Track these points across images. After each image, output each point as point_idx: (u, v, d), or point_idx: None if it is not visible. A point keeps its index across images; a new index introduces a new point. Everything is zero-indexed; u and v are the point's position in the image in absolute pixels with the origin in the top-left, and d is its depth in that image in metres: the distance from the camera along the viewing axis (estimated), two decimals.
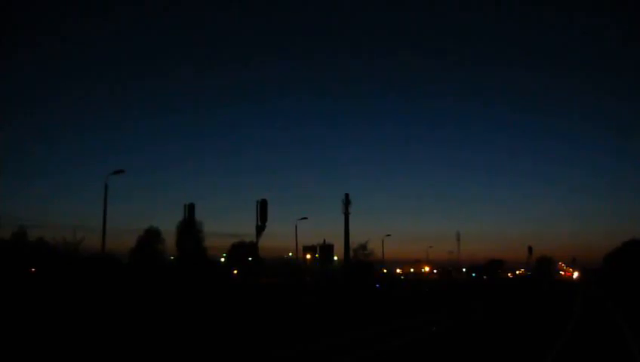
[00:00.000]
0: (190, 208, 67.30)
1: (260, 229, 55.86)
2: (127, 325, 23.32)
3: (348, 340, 19.86)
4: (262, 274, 66.63)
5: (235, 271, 74.51)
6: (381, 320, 28.11)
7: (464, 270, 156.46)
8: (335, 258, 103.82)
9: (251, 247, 65.77)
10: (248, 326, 25.02)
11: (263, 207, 56.02)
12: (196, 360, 15.76)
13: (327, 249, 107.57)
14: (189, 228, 64.84)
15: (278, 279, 70.16)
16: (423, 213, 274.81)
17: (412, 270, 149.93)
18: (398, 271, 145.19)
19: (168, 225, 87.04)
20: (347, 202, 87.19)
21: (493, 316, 32.33)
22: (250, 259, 69.50)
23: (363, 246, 76.55)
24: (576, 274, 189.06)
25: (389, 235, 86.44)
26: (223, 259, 79.30)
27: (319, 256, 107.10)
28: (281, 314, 32.16)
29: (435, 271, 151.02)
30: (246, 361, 15.93)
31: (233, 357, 16.54)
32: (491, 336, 21.88)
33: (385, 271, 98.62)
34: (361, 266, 73.96)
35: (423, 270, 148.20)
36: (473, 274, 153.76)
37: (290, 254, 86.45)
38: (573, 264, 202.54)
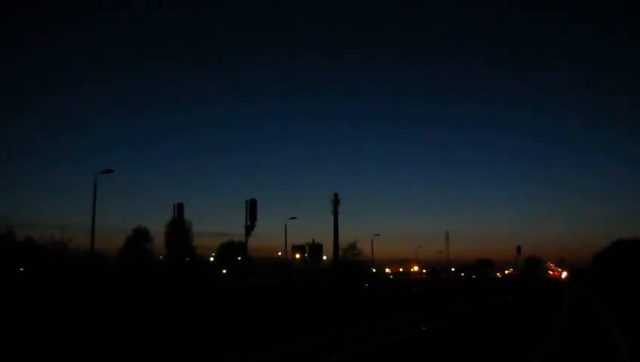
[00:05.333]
0: (179, 207, 67.47)
1: (249, 229, 56.12)
2: (114, 325, 23.42)
3: (339, 339, 20.09)
4: (250, 273, 66.56)
5: (224, 271, 74.57)
6: (370, 320, 28.33)
7: (453, 269, 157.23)
8: (324, 257, 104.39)
9: (240, 247, 65.99)
10: (235, 325, 25.17)
11: (252, 207, 56.29)
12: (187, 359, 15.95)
13: (316, 248, 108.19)
14: (178, 227, 65.00)
15: (266, 278, 69.92)
16: (412, 213, 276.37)
17: (401, 269, 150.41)
18: (387, 270, 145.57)
19: (157, 225, 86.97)
20: (336, 202, 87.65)
21: (480, 317, 32.63)
22: (239, 258, 69.67)
23: (352, 246, 76.75)
24: (564, 274, 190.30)
25: (378, 235, 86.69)
26: (212, 259, 79.35)
27: (308, 255, 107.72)
28: (267, 313, 32.28)
29: (424, 270, 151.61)
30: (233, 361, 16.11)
31: (220, 357, 16.71)
32: (478, 337, 22.12)
33: (374, 270, 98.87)
34: (350, 265, 74.12)
35: (412, 269, 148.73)
36: (462, 274, 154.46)
37: (280, 253, 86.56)
38: (562, 264, 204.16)
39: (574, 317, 31.63)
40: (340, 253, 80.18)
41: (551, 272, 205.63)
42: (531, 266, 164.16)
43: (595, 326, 25.83)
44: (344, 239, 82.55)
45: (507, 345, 19.01)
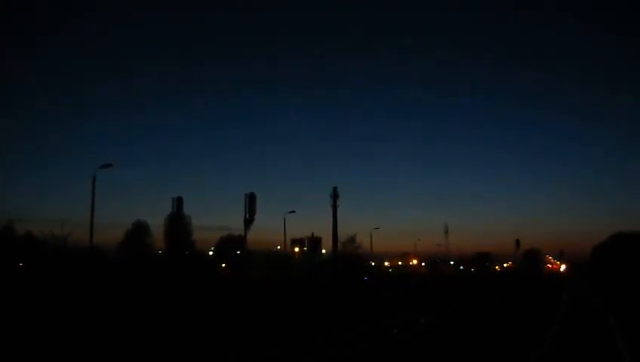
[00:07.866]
0: (178, 201, 67.56)
1: (248, 222, 56.15)
2: (114, 320, 23.42)
3: (341, 336, 20.16)
4: (250, 267, 66.47)
5: (224, 265, 74.57)
6: (369, 315, 28.40)
7: (452, 263, 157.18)
8: (323, 251, 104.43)
9: (239, 241, 65.91)
10: (234, 322, 25.17)
11: (251, 201, 56.31)
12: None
13: (315, 242, 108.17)
14: (178, 221, 65.05)
15: (265, 272, 69.78)
16: (412, 206, 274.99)
17: (400, 263, 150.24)
18: (386, 264, 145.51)
19: (156, 219, 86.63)
20: (335, 195, 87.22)
21: (479, 313, 32.74)
22: (238, 252, 69.61)
23: (351, 240, 76.68)
24: (563, 267, 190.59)
25: (377, 228, 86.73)
26: (211, 253, 79.31)
27: (307, 248, 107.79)
28: (267, 309, 32.28)
29: (423, 264, 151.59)
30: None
31: (220, 357, 16.73)
32: (477, 335, 22.17)
33: (373, 264, 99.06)
34: (350, 260, 74.15)
35: (410, 263, 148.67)
36: (461, 267, 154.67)
37: (279, 247, 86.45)
38: (561, 257, 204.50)
39: (574, 314, 31.77)
40: (339, 246, 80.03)
41: (550, 265, 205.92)
42: (531, 259, 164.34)
43: (595, 325, 25.89)
44: (343, 232, 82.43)
45: (506, 345, 19.04)
